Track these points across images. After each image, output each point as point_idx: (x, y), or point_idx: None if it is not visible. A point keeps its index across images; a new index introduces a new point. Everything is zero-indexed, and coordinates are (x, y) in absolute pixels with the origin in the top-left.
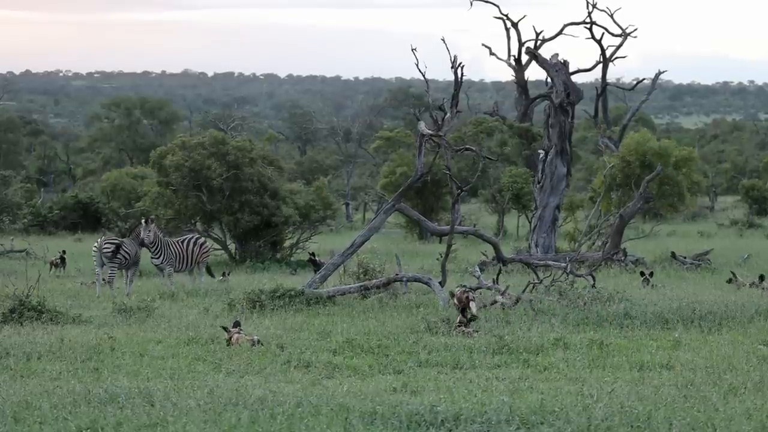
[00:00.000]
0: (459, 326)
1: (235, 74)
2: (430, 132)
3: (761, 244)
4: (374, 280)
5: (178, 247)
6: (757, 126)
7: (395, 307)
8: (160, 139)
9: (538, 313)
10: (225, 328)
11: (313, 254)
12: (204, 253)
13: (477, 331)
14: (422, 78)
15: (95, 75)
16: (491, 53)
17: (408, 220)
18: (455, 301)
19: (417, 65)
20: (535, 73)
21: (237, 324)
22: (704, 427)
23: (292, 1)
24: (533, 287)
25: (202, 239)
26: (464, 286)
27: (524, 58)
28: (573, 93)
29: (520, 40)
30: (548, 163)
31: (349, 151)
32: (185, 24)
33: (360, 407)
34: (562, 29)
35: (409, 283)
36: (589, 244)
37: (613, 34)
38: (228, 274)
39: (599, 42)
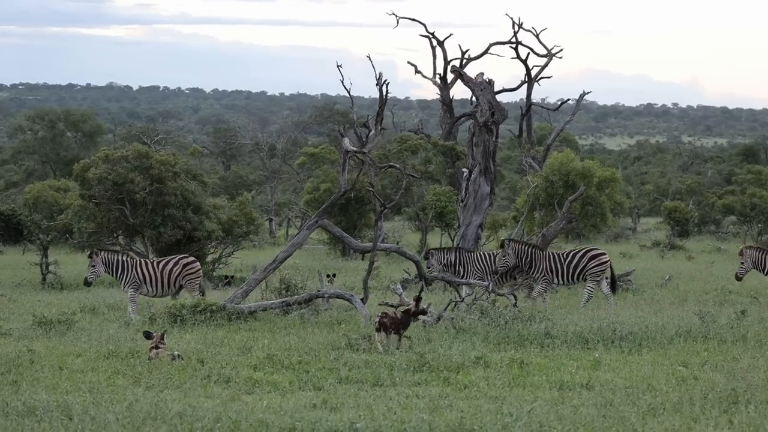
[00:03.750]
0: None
1: (160, 88)
2: (354, 149)
3: (683, 266)
4: (296, 296)
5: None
6: (680, 148)
7: (317, 324)
8: (83, 151)
9: (459, 331)
10: (148, 334)
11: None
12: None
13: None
14: (348, 95)
15: (19, 86)
16: (417, 71)
17: (331, 237)
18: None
19: (342, 82)
20: (460, 91)
21: (163, 336)
22: None
23: (218, 17)
24: (455, 305)
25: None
26: (386, 303)
27: (450, 76)
28: (497, 112)
29: (445, 58)
30: (472, 181)
31: (273, 167)
32: (111, 38)
33: (279, 423)
34: (487, 48)
35: (331, 300)
36: None
37: (538, 55)
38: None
39: (524, 62)
